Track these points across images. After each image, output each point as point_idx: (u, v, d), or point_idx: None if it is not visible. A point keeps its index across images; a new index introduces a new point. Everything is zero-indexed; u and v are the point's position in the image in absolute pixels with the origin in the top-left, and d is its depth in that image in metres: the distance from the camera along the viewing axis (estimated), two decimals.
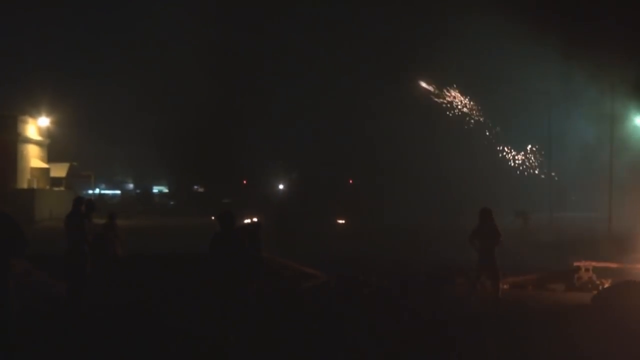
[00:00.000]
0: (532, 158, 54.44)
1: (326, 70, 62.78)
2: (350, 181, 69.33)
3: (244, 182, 71.13)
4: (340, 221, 49.95)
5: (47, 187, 51.38)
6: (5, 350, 8.82)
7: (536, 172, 54.37)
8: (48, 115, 52.49)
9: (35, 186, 49.25)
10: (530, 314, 14.91)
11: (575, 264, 19.11)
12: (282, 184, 69.48)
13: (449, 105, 54.69)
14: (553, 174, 53.34)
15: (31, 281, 15.53)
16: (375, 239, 33.74)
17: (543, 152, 54.25)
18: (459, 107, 54.71)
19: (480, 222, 15.69)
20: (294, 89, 65.16)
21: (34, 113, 51.22)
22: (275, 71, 65.12)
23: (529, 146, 54.84)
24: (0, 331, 8.76)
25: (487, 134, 54.69)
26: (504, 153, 54.56)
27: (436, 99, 54.40)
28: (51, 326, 12.64)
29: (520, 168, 54.88)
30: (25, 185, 48.55)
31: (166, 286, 17.05)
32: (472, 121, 55.00)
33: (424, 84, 55.09)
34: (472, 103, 54.85)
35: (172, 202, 71.25)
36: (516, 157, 54.92)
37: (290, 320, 13.79)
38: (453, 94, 54.59)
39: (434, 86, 54.50)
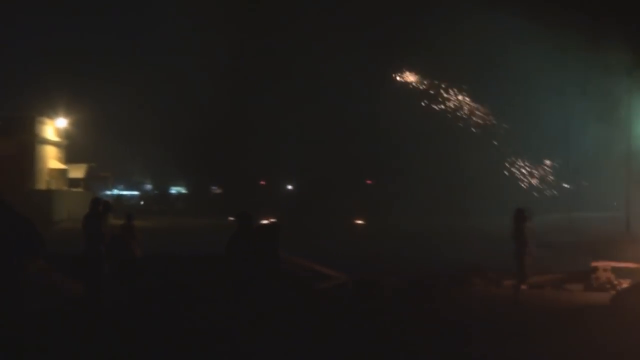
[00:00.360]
0: (550, 177, 53.66)
1: (343, 69, 62.51)
2: (368, 182, 69.21)
3: (262, 182, 71.18)
4: (359, 222, 49.83)
5: (65, 188, 51.55)
6: (18, 350, 8.84)
7: (554, 192, 53.60)
8: (66, 116, 52.65)
9: (53, 187, 49.41)
10: (548, 314, 14.80)
11: (593, 264, 18.99)
12: (300, 184, 69.40)
13: (453, 108, 54.34)
14: (566, 185, 52.59)
15: (48, 281, 15.56)
16: (392, 240, 33.65)
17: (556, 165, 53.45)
18: (465, 111, 54.31)
19: (520, 223, 15.89)
20: (310, 88, 64.76)
21: (52, 114, 51.39)
22: (290, 70, 64.64)
23: (547, 162, 53.89)
24: (13, 330, 8.80)
25: (496, 143, 54.17)
26: (517, 167, 53.68)
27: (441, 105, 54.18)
28: (67, 326, 12.58)
29: (537, 187, 54.22)
30: (43, 186, 48.73)
31: (183, 286, 17.05)
32: (477, 126, 54.52)
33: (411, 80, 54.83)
34: (478, 106, 54.32)
35: (183, 204, 71.34)
36: (532, 174, 54.00)
37: (306, 321, 13.69)
38: (460, 97, 54.20)
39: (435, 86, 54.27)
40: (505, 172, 51.79)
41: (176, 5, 67.96)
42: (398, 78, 56.28)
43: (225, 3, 62.19)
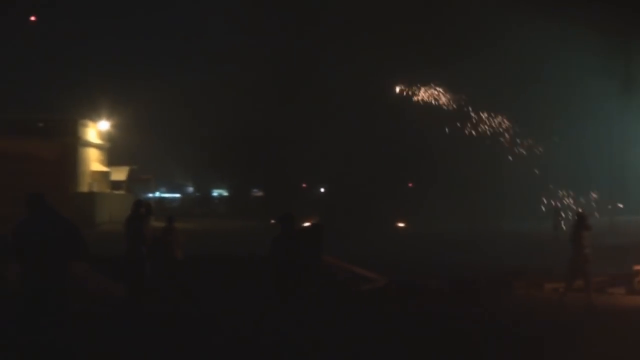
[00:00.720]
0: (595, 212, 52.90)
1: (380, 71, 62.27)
2: (410, 184, 68.74)
3: (304, 185, 71.00)
4: (401, 224, 49.58)
5: (108, 190, 51.70)
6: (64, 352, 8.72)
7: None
8: (108, 118, 52.88)
9: (95, 190, 49.55)
10: (589, 317, 14.70)
11: (636, 267, 18.65)
12: (340, 186, 68.93)
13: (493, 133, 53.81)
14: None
15: (90, 283, 15.57)
16: (433, 243, 33.52)
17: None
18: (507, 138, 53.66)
19: (580, 228, 16.11)
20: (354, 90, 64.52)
21: (94, 117, 51.61)
22: (330, 73, 64.44)
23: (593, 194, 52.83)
24: (60, 332, 8.72)
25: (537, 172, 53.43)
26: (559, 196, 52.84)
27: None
28: (109, 328, 12.53)
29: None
30: (85, 189, 48.89)
31: (224, 288, 16.94)
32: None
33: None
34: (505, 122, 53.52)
35: (225, 206, 71.42)
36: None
37: (346, 324, 13.45)
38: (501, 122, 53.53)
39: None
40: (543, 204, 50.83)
41: (222, 9, 68.32)
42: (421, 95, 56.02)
43: (271, 9, 62.44)
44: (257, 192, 75.21)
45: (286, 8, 63.84)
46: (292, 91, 66.28)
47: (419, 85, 55.93)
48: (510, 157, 53.72)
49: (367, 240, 33.37)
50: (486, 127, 53.51)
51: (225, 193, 79.53)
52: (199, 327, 12.92)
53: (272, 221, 18.02)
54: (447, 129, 54.42)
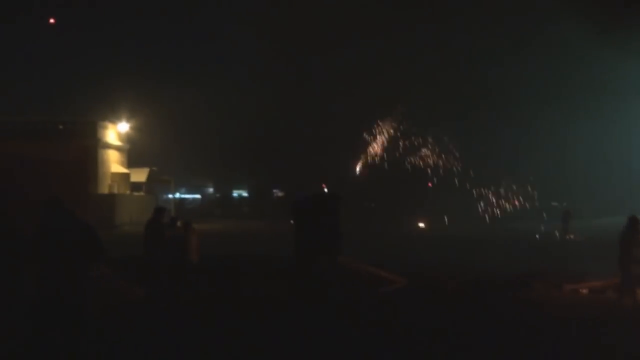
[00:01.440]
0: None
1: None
2: (430, 184, 68.42)
3: (323, 186, 70.80)
4: (421, 225, 49.48)
5: (128, 192, 51.78)
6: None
7: None
8: (128, 120, 52.98)
9: (115, 191, 49.63)
10: (609, 318, 14.41)
11: None
12: (361, 187, 68.76)
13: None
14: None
15: (108, 285, 15.57)
16: (453, 243, 33.40)
17: None
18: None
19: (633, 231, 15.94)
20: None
21: (114, 119, 51.72)
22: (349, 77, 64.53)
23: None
24: (80, 334, 8.80)
25: None
26: None
27: None
28: (127, 329, 12.45)
29: None
30: (105, 191, 48.98)
31: (243, 288, 16.91)
32: None
33: None
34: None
35: (246, 207, 71.45)
36: None
37: (365, 326, 13.23)
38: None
39: None
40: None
41: (242, 11, 68.51)
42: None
43: (294, 11, 62.45)
44: (278, 193, 75.17)
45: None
46: (313, 92, 66.37)
47: None
48: None
49: (387, 241, 33.29)
50: None
51: (245, 194, 79.52)
52: (214, 328, 12.81)
53: (291, 222, 17.94)
54: None
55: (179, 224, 17.12)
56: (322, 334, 11.97)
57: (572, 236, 37.05)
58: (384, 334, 12.55)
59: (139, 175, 54.39)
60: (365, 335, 12.30)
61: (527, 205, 55.56)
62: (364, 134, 60.81)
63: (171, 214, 15.78)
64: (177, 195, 71.90)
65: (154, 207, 15.39)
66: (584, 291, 18.27)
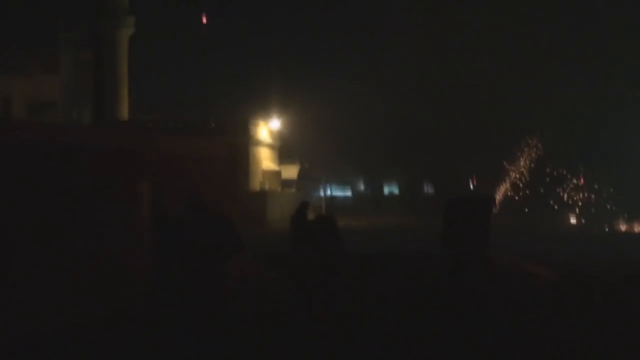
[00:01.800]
0: None
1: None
2: (582, 180, 66.32)
3: (474, 182, 69.70)
4: (572, 221, 48.45)
5: (279, 189, 52.22)
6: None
7: None
8: (279, 117, 53.46)
9: (267, 188, 50.14)
10: None
11: None
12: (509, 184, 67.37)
13: None
14: None
15: (258, 281, 15.71)
16: (605, 239, 32.51)
17: None
18: None
19: None
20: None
21: (265, 116, 52.29)
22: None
23: None
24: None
25: None
26: None
27: None
28: (276, 327, 12.32)
29: None
30: (257, 188, 49.54)
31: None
32: None
33: None
34: None
35: (397, 203, 71.08)
36: None
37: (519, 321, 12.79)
38: None
39: None
40: None
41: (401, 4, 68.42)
42: None
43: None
44: (430, 189, 74.49)
45: None
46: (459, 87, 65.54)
47: None
48: None
49: (539, 237, 32.80)
50: None
51: (396, 190, 79.05)
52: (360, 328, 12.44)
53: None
54: None
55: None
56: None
57: None
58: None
59: (290, 172, 54.81)
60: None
61: None
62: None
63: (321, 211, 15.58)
64: (329, 192, 72.22)
65: (300, 203, 15.30)
66: None
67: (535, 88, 64.78)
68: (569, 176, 58.54)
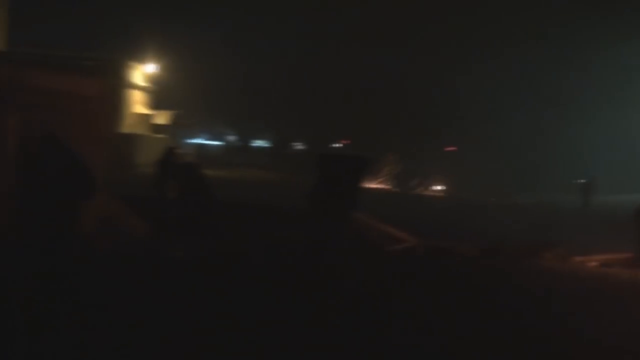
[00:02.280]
0: None
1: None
2: (453, 148, 68.55)
3: (343, 142, 70.93)
4: (438, 188, 49.87)
5: (149, 133, 51.77)
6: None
7: None
8: (155, 62, 52.75)
9: (137, 132, 49.64)
10: (606, 291, 14.57)
11: None
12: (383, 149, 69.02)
13: None
14: None
15: (122, 223, 15.70)
16: (466, 209, 33.65)
17: None
18: None
19: None
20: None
21: (141, 59, 51.52)
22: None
23: None
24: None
25: None
26: None
27: None
28: (130, 267, 12.44)
29: None
30: (127, 131, 48.99)
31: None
32: None
33: None
34: None
35: (266, 157, 71.64)
36: None
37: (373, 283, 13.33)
38: None
39: None
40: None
41: None
42: None
43: None
44: (299, 146, 75.27)
45: None
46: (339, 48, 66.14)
47: None
48: None
49: (401, 202, 33.54)
50: None
51: (266, 144, 79.60)
52: (223, 270, 12.92)
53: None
54: None
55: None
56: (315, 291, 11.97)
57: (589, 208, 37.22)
58: (377, 291, 12.57)
59: (162, 118, 54.33)
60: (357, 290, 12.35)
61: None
62: None
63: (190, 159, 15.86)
64: (200, 140, 71.97)
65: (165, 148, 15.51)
66: (593, 264, 18.49)
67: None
68: None
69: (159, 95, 54.60)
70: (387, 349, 8.92)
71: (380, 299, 11.90)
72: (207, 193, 16.45)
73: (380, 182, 48.42)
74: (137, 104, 51.44)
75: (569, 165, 56.66)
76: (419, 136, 63.89)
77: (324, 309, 10.62)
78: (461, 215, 30.74)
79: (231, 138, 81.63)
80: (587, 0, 58.78)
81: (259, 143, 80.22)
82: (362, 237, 17.86)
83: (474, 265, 16.76)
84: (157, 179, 15.07)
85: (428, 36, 64.58)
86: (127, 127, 49.46)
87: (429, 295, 12.50)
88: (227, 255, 14.56)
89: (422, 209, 32.73)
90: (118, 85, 48.00)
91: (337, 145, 69.22)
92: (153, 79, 53.49)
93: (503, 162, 59.40)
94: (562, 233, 23.64)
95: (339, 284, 12.43)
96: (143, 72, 52.04)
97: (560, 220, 30.19)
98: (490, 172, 56.17)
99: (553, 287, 14.31)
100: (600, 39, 58.94)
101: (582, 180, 42.33)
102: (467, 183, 51.05)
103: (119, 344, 8.09)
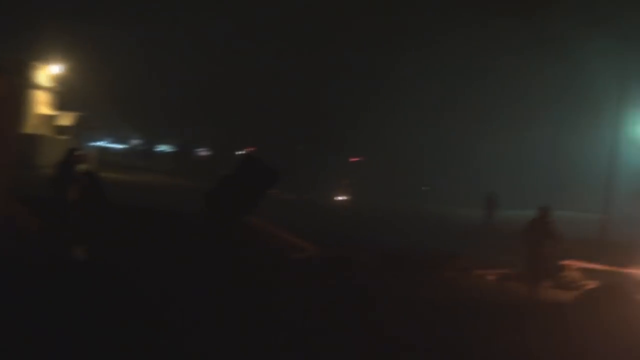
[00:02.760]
0: None
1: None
2: (356, 159, 69.22)
3: (248, 150, 71.10)
4: (341, 198, 50.10)
5: (52, 134, 51.14)
6: None
7: None
8: (60, 62, 52.15)
9: (40, 133, 49.01)
10: (507, 307, 15.26)
11: (562, 262, 19.32)
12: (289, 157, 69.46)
13: None
14: None
15: (19, 223, 15.72)
16: (368, 219, 33.82)
17: None
18: None
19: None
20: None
21: (46, 59, 50.91)
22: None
23: None
24: None
25: None
26: None
27: None
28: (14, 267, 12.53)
29: None
30: (30, 131, 48.33)
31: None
32: None
33: None
34: None
35: (169, 162, 71.36)
36: None
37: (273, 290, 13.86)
38: None
39: None
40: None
41: None
42: None
43: None
44: (203, 152, 75.07)
45: None
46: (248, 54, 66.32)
47: None
48: None
49: (305, 211, 33.61)
50: None
51: (169, 149, 79.11)
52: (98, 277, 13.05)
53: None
54: None
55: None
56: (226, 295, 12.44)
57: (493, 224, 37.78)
58: (280, 300, 13.07)
59: (66, 119, 53.67)
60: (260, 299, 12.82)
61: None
62: None
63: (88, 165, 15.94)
64: (103, 143, 71.23)
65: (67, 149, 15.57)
66: (491, 278, 19.02)
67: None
68: None
69: (63, 97, 53.93)
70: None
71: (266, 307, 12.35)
72: (100, 198, 16.68)
73: (287, 191, 48.75)
74: (41, 104, 50.80)
75: (467, 179, 57.80)
76: (325, 145, 64.44)
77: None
78: (363, 225, 30.92)
79: (135, 142, 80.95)
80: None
81: (163, 148, 79.70)
82: (263, 244, 18.03)
83: (371, 275, 17.17)
84: (56, 181, 15.22)
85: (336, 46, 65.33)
86: (30, 127, 48.79)
87: (320, 305, 13.01)
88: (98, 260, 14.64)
89: (326, 218, 32.93)
90: (21, 85, 47.35)
91: (242, 152, 69.40)
92: (58, 80, 52.86)
93: (408, 173, 60.28)
94: (464, 245, 24.22)
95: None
96: (48, 72, 51.43)
97: (462, 233, 30.74)
98: (394, 182, 57.07)
99: (456, 299, 14.93)
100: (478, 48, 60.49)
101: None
102: (372, 192, 51.66)
103: None
